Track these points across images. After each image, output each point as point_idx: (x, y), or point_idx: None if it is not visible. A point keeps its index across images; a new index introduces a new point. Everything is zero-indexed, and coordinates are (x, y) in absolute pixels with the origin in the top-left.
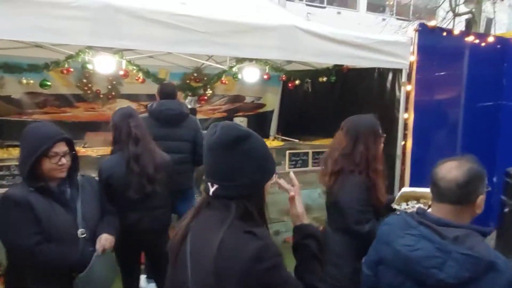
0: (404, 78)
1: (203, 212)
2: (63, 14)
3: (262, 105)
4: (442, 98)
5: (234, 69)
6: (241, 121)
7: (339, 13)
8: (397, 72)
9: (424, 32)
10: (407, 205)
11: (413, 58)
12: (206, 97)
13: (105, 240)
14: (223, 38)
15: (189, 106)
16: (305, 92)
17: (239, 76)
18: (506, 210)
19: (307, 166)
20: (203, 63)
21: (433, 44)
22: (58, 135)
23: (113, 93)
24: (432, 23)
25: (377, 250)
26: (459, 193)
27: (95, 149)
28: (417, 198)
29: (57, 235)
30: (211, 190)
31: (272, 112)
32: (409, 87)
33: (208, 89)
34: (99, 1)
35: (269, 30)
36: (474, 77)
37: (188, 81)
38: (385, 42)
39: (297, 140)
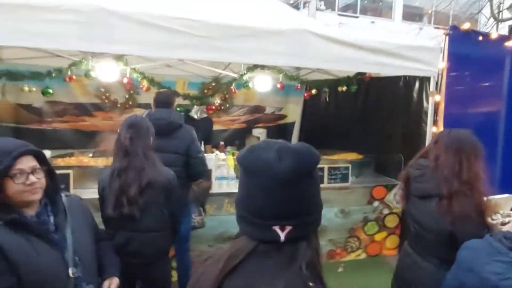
0: (432, 87)
1: (253, 260)
2: (52, 18)
3: (283, 116)
4: (478, 112)
5: (244, 78)
6: (260, 132)
7: (373, 22)
8: (424, 80)
9: (456, 36)
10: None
11: (443, 65)
12: (213, 107)
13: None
14: (226, 42)
15: (195, 116)
16: (326, 102)
17: (250, 84)
18: None
19: (322, 182)
20: (220, 73)
21: (467, 50)
22: (20, 148)
23: (130, 103)
24: (466, 26)
25: (457, 276)
26: None
27: (102, 159)
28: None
29: (42, 282)
30: (282, 235)
31: (293, 123)
32: (438, 98)
33: (216, 99)
34: (91, 4)
35: (276, 34)
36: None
37: (206, 91)
38: (410, 47)
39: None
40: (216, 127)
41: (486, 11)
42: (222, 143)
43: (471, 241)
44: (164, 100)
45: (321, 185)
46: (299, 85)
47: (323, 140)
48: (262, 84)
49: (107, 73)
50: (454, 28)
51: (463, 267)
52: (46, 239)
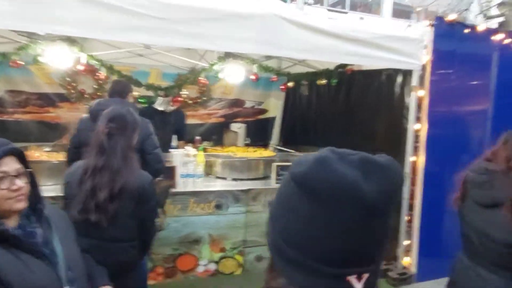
0: (415, 81)
1: None
2: None
3: (264, 111)
4: (464, 108)
5: (215, 68)
6: (238, 127)
7: (361, 18)
8: (408, 74)
9: (441, 27)
10: None
11: (427, 58)
12: (181, 98)
13: None
14: (186, 26)
15: (160, 108)
16: (308, 97)
17: (221, 75)
18: None
19: None
20: (197, 64)
21: (453, 43)
22: (3, 146)
23: (99, 93)
24: (451, 17)
25: None
26: None
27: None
28: None
29: None
30: (359, 285)
31: (274, 119)
32: (421, 93)
33: (184, 90)
34: None
35: (244, 18)
36: (505, 86)
37: (180, 82)
38: (392, 37)
39: (292, 151)
40: (192, 121)
41: (475, 8)
42: (198, 137)
43: None
44: (118, 89)
45: None
46: (275, 77)
47: (305, 137)
48: (234, 75)
49: (59, 59)
50: (439, 19)
51: None
52: (36, 254)
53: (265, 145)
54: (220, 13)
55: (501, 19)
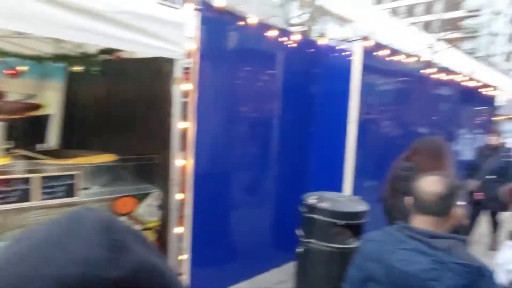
0: (179, 72)
1: None
2: None
3: (37, 106)
4: (241, 106)
5: None
6: None
7: None
8: (173, 64)
9: (209, 14)
10: None
11: (193, 47)
12: None
13: None
14: None
15: None
16: (80, 89)
17: None
18: (300, 250)
19: (29, 200)
20: None
21: (222, 33)
22: None
23: None
24: (220, 3)
25: (363, 268)
26: (440, 205)
27: None
28: None
29: None
30: None
31: (51, 116)
32: (188, 87)
33: None
34: None
35: None
36: (284, 83)
37: None
38: (145, 16)
39: (40, 158)
40: None
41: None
42: None
43: (374, 233)
44: None
45: (30, 204)
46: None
47: (86, 138)
48: None
49: None
50: (206, 4)
51: (369, 257)
52: None
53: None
54: None
55: (303, 28)
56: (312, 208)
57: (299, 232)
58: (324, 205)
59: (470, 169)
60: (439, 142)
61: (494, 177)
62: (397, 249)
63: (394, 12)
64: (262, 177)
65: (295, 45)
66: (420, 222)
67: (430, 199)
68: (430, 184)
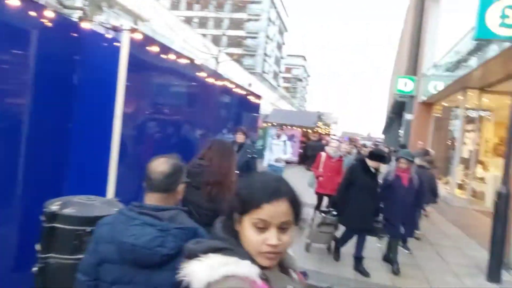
0: None
1: None
2: None
3: None
4: None
5: None
6: None
7: None
8: None
9: None
10: None
11: None
12: None
13: None
14: None
15: None
16: None
17: None
18: (36, 268)
19: None
20: None
21: None
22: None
23: None
24: None
25: (96, 252)
26: (166, 183)
27: None
28: None
29: None
30: None
31: None
32: None
33: None
34: None
35: None
36: (37, 69)
37: None
38: None
39: None
40: None
41: None
42: None
43: (107, 218)
44: None
45: None
46: None
47: None
48: None
49: None
50: None
51: (103, 240)
52: None
53: None
54: None
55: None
56: (54, 216)
57: (38, 247)
58: (68, 211)
59: None
60: (228, 143)
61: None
62: (128, 226)
63: (188, 21)
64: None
65: (50, 24)
66: (151, 199)
67: (157, 177)
68: (158, 165)
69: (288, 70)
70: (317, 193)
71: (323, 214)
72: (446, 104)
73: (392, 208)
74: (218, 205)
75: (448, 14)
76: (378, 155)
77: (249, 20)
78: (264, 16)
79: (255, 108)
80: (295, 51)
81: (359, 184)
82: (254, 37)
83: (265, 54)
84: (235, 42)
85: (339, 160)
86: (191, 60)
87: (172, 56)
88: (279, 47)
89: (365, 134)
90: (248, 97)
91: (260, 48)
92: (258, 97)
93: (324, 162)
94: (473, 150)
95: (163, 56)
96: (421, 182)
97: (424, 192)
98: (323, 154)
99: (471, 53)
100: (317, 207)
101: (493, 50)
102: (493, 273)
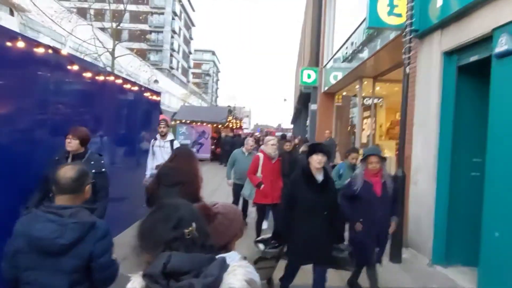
0: None
1: None
2: None
3: None
4: None
5: None
6: None
7: None
8: None
9: None
10: None
11: None
12: None
13: None
14: None
15: None
16: None
17: None
18: None
19: None
20: None
21: None
22: None
23: None
24: None
25: (13, 244)
26: (74, 186)
27: None
28: None
29: None
30: None
31: None
32: None
33: None
34: None
35: None
36: None
37: None
38: None
39: None
40: None
41: None
42: None
43: (23, 217)
44: None
45: None
46: None
47: None
48: None
49: None
50: None
51: (18, 235)
52: None
53: None
54: None
55: None
56: None
57: None
58: None
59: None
60: (190, 150)
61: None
62: (37, 222)
63: (81, 13)
64: None
65: None
66: (60, 200)
67: (66, 182)
68: (65, 171)
69: (197, 65)
70: (257, 204)
71: (261, 247)
72: (345, 93)
73: (363, 229)
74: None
75: (344, 6)
76: (319, 146)
77: (152, 13)
78: (168, 10)
79: (153, 106)
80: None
81: (302, 202)
82: (159, 32)
83: (172, 49)
84: (137, 35)
85: (278, 160)
86: (57, 51)
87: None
88: (187, 42)
89: (275, 125)
90: (145, 94)
91: (166, 42)
92: (157, 94)
93: (262, 165)
94: (370, 135)
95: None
96: (396, 187)
97: (399, 200)
98: (260, 155)
99: (364, 43)
100: (259, 222)
101: (383, 39)
102: (395, 254)
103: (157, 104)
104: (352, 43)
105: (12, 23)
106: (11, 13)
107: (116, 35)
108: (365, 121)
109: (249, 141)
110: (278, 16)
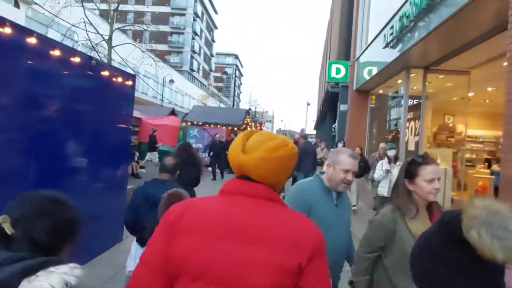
0: None
1: None
2: None
3: None
4: None
5: None
6: None
7: None
8: None
9: None
10: None
11: None
12: None
13: None
14: None
15: None
16: None
17: None
18: None
19: None
20: None
21: None
22: None
23: None
24: None
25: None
26: None
27: None
28: None
29: None
30: None
31: None
32: None
33: None
34: None
35: None
36: None
37: None
38: None
39: None
40: None
41: None
42: None
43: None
44: None
45: None
46: None
47: None
48: None
49: None
50: None
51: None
52: None
53: None
54: None
55: None
56: None
57: None
58: None
59: None
60: (189, 144)
61: None
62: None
63: (104, 14)
64: None
65: None
66: None
67: None
68: None
69: (220, 69)
70: None
71: None
72: (381, 92)
73: None
74: None
75: None
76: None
77: (173, 14)
78: (189, 11)
79: (125, 92)
80: (228, 49)
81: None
82: (180, 33)
83: (193, 51)
84: (160, 38)
85: None
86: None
87: None
88: (209, 44)
89: (298, 130)
90: (114, 78)
91: (187, 44)
92: (129, 77)
93: None
94: (419, 141)
95: None
96: None
97: None
98: None
99: (419, 17)
100: None
101: (452, 4)
102: None
103: (130, 89)
104: (400, 19)
105: None
106: (17, 5)
107: (139, 36)
108: (407, 124)
109: None
110: (303, 20)
